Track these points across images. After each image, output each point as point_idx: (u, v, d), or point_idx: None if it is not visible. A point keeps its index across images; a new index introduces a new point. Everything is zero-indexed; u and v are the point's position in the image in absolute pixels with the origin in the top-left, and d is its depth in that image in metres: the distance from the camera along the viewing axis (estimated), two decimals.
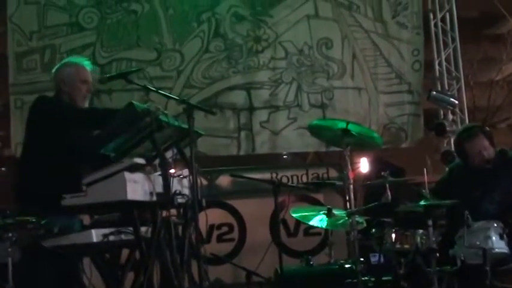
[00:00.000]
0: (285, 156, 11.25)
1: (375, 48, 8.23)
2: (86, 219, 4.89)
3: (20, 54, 7.70)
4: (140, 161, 4.20)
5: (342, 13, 8.17)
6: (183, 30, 7.95)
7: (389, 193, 4.96)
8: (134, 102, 4.27)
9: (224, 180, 7.22)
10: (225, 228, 7.11)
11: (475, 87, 12.28)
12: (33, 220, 4.09)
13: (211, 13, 7.98)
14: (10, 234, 4.04)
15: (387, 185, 4.97)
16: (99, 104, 7.56)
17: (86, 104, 4.82)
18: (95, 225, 4.57)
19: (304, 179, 7.24)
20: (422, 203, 4.68)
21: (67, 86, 4.73)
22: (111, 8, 7.87)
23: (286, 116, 7.97)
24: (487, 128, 5.57)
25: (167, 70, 7.91)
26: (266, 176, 7.00)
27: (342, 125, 5.18)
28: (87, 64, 4.86)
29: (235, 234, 7.11)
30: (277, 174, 7.26)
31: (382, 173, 5.00)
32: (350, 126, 5.16)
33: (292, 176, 7.33)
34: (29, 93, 7.63)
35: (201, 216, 6.74)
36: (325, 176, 7.24)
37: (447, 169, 5.77)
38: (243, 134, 7.91)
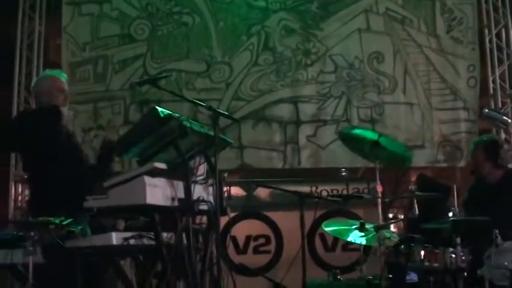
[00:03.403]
0: (343, 174, 11.18)
1: (428, 63, 8.17)
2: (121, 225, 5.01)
3: (74, 65, 7.99)
4: (161, 165, 4.26)
5: (395, 27, 8.16)
6: (232, 43, 8.11)
7: (416, 208, 4.88)
8: (157, 107, 4.35)
9: (262, 192, 7.27)
10: (262, 240, 7.15)
11: None
12: (56, 221, 4.20)
13: (261, 26, 8.11)
14: (32, 234, 4.15)
15: (414, 200, 4.90)
16: None
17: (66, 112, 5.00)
18: (127, 230, 4.67)
19: (344, 193, 7.21)
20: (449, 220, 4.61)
21: (45, 97, 4.97)
22: (162, 20, 8.09)
23: (334, 131, 7.96)
24: (495, 146, 5.55)
25: (216, 82, 8.06)
26: (306, 189, 7.01)
27: (374, 136, 5.14)
28: (63, 76, 5.12)
29: (272, 247, 7.13)
30: (316, 188, 7.27)
31: (410, 187, 4.95)
32: (381, 140, 5.12)
33: (332, 190, 7.33)
34: (82, 102, 7.93)
35: (238, 227, 6.89)
36: (366, 191, 7.20)
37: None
38: (289, 147, 7.95)
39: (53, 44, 8.74)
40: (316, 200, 6.27)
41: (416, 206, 4.88)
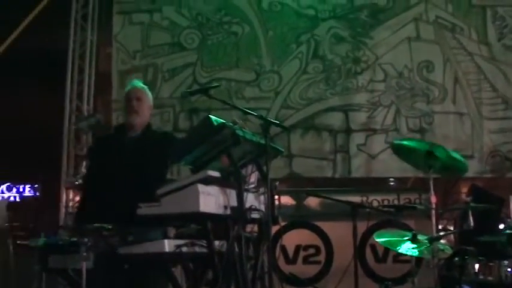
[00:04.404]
0: (391, 183, 11.05)
1: (479, 72, 8.04)
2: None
3: (124, 72, 8.09)
4: (214, 173, 4.24)
5: (445, 35, 8.05)
6: (282, 51, 8.11)
7: (471, 220, 4.76)
8: (211, 116, 4.33)
9: (312, 201, 7.18)
10: (311, 250, 7.04)
11: None
12: (109, 227, 4.21)
13: (310, 35, 8.10)
14: (86, 240, 4.17)
15: (469, 212, 4.78)
16: (197, 122, 7.72)
17: (136, 118, 4.84)
18: (178, 237, 4.66)
19: (397, 204, 7.09)
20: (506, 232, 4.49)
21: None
22: (212, 29, 8.14)
23: (383, 140, 7.90)
24: None
25: (265, 91, 8.07)
26: (356, 199, 6.90)
27: (426, 146, 5.04)
28: (135, 83, 4.96)
29: (322, 257, 7.03)
30: (367, 198, 7.17)
31: (465, 198, 4.85)
32: (434, 149, 5.02)
33: (383, 200, 7.21)
34: None
35: (288, 236, 6.82)
36: (417, 201, 7.08)
37: None
38: (339, 156, 7.90)
39: (103, 53, 8.85)
40: (368, 210, 6.17)
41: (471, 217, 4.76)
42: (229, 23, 8.15)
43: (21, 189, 18.09)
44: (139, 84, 4.98)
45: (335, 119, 7.99)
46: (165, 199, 4.15)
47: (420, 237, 5.21)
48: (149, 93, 4.98)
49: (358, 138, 7.96)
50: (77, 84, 8.37)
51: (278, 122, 4.72)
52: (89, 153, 5.10)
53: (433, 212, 5.05)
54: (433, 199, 5.01)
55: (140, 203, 4.11)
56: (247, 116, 6.70)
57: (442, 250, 4.97)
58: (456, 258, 4.89)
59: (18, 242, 6.72)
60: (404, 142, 5.50)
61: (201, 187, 4.08)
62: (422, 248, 5.14)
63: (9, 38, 8.47)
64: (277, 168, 7.38)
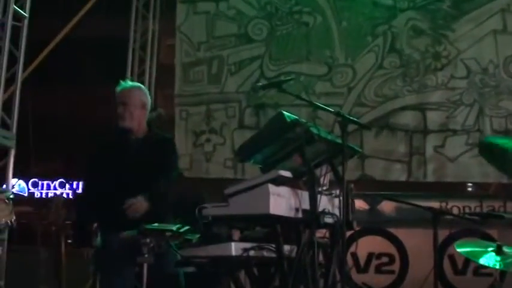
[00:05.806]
0: (469, 189, 10.83)
1: None
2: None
3: (187, 65, 8.10)
4: (286, 173, 4.18)
5: None
6: (356, 44, 7.98)
7: None
8: (284, 112, 4.28)
9: (387, 206, 7.06)
10: (385, 259, 6.94)
11: None
12: (172, 228, 4.21)
13: (387, 26, 7.93)
14: (148, 240, 4.18)
15: None
16: (264, 118, 7.69)
17: (127, 123, 4.93)
18: (242, 241, 4.63)
19: (481, 212, 6.90)
20: None
21: None
22: (281, 19, 8.08)
23: (464, 142, 7.69)
24: None
25: (337, 86, 7.95)
26: (435, 205, 6.74)
27: None
28: (123, 85, 5.01)
29: (396, 266, 6.92)
30: (446, 204, 7.00)
31: None
32: None
33: (464, 207, 7.03)
34: (195, 104, 8.03)
35: (359, 243, 6.72)
36: (502, 209, 6.88)
37: None
38: (414, 158, 7.73)
39: (164, 45, 8.88)
40: (450, 217, 6.01)
41: None
42: (299, 13, 8.06)
43: (74, 186, 18.40)
44: (123, 86, 5.02)
45: (411, 119, 7.80)
46: (233, 199, 4.12)
47: (506, 249, 5.05)
48: (138, 92, 5.02)
49: (435, 139, 7.76)
50: (137, 76, 8.41)
51: (357, 121, 4.64)
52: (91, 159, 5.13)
53: None
54: None
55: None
56: (316, 113, 6.65)
57: None
58: None
59: (70, 241, 6.80)
60: (499, 141, 5.29)
61: (271, 188, 4.03)
62: (509, 260, 4.98)
63: (67, 26, 8.57)
64: (348, 169, 7.21)
